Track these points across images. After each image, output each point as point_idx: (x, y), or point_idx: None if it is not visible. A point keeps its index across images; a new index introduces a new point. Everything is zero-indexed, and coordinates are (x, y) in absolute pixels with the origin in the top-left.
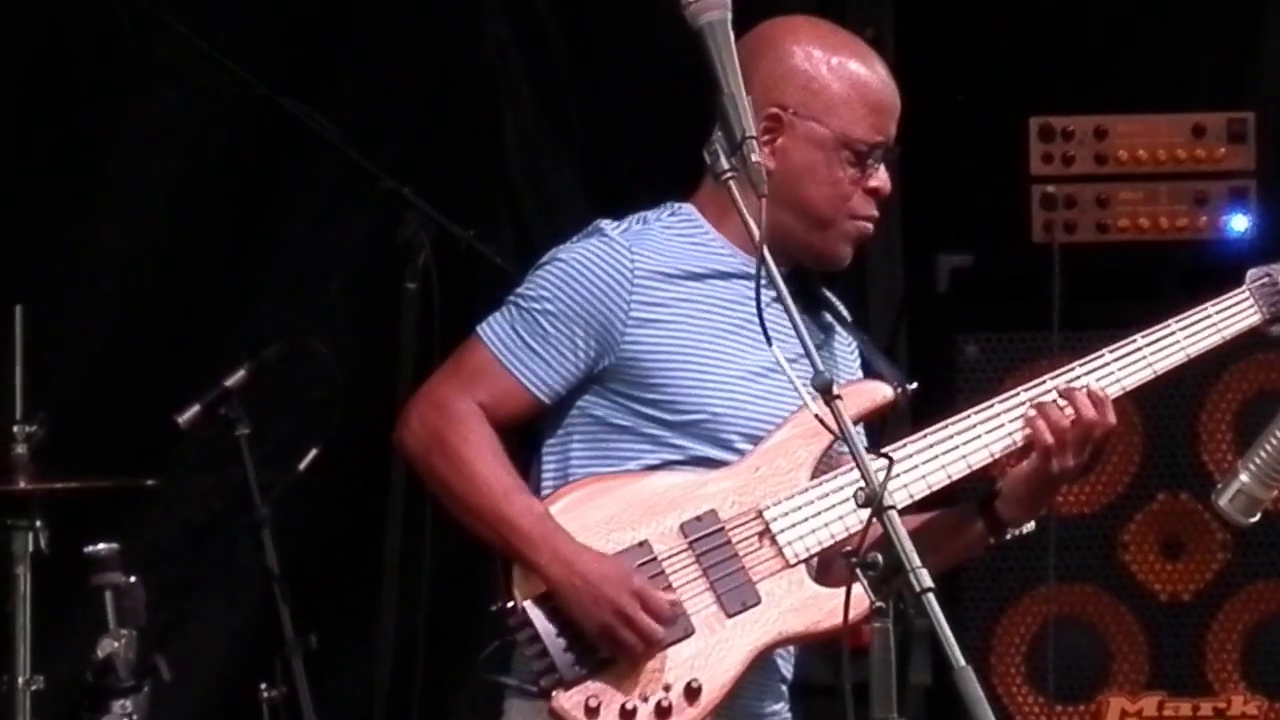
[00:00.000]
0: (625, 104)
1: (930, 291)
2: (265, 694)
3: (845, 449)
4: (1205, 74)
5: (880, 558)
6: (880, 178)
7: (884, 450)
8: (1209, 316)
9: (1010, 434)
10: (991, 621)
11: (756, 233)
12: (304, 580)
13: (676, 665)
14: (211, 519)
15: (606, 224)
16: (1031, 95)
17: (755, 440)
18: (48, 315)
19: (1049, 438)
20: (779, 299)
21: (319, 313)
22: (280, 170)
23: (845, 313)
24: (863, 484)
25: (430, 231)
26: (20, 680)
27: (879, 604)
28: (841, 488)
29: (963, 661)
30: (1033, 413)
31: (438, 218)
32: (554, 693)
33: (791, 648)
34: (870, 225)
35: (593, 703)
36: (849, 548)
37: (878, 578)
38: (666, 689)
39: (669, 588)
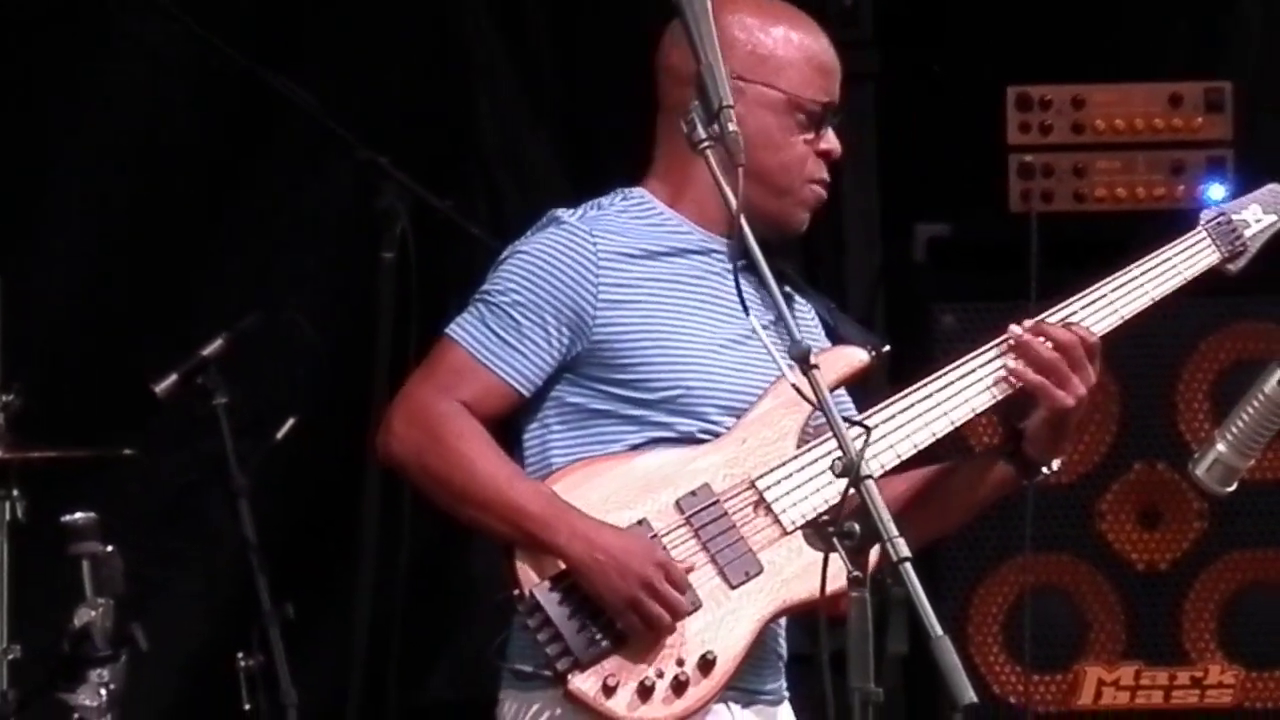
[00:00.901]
0: (602, 74)
1: (908, 261)
2: (242, 663)
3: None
4: (1182, 43)
5: (857, 527)
6: (830, 140)
7: (863, 417)
8: (1169, 259)
9: (989, 388)
10: (969, 591)
11: (734, 202)
12: (281, 550)
13: (688, 639)
14: (189, 488)
15: (562, 212)
16: (1009, 64)
17: (732, 412)
18: (23, 285)
19: (1035, 376)
20: (753, 268)
21: (296, 282)
22: (256, 140)
23: (802, 283)
24: (840, 454)
25: (407, 201)
26: None
27: (856, 574)
28: (830, 453)
29: (940, 631)
30: (1013, 361)
31: (415, 188)
32: (570, 675)
33: (783, 623)
34: (824, 190)
35: (610, 681)
36: (826, 517)
37: (855, 547)
38: (680, 663)
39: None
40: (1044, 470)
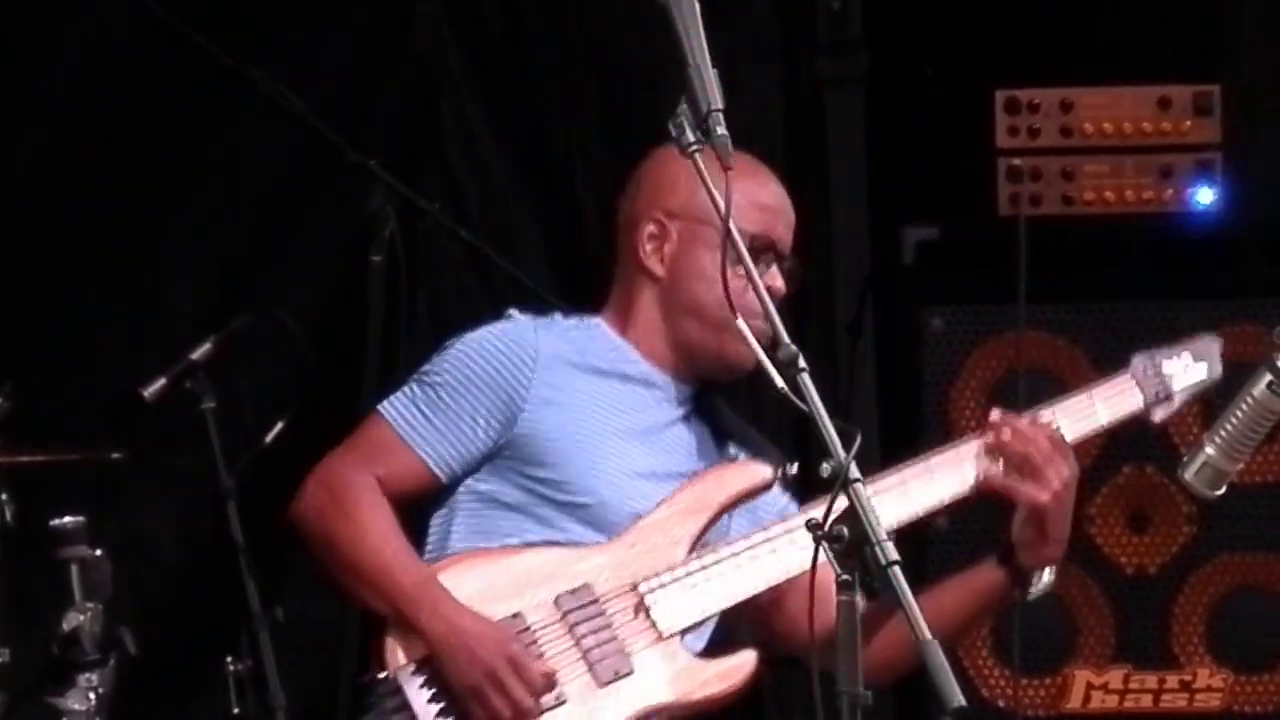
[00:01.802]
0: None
1: (896, 264)
2: (231, 667)
3: (723, 526)
4: (1171, 47)
5: (846, 530)
6: (774, 278)
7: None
8: (1091, 399)
9: (964, 479)
10: None
11: (723, 204)
12: (270, 553)
13: None
14: (177, 491)
15: (515, 311)
16: (997, 68)
17: None
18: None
19: (1000, 478)
20: (699, 412)
21: (285, 286)
22: (243, 143)
23: (758, 438)
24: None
25: (396, 204)
26: None
27: (845, 576)
28: (719, 561)
29: (928, 635)
30: (981, 463)
31: (404, 191)
32: None
33: None
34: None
35: None
36: (814, 522)
37: (843, 550)
38: None
39: (542, 657)
40: (1034, 582)
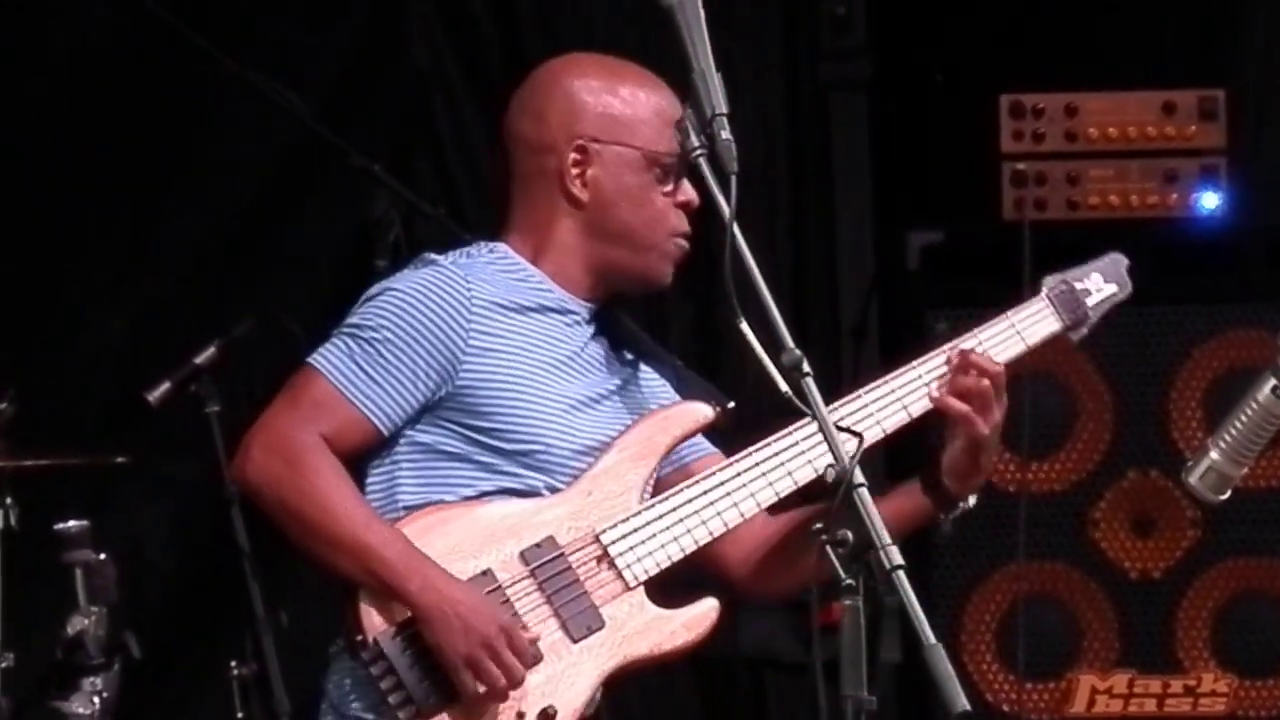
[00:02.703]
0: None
1: (901, 268)
2: (235, 671)
3: (671, 469)
4: (1176, 51)
5: (850, 534)
6: (687, 191)
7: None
8: (1011, 324)
9: (906, 407)
10: (962, 599)
11: (727, 211)
12: (274, 558)
13: (528, 693)
14: (181, 496)
15: (434, 255)
16: (1002, 72)
17: (579, 471)
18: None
19: (960, 405)
20: (604, 330)
21: (289, 290)
22: (246, 147)
23: (652, 344)
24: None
25: (400, 209)
26: None
27: (849, 581)
28: (675, 508)
29: (933, 639)
30: (937, 390)
31: (408, 195)
32: None
33: None
34: (686, 242)
35: None
36: (819, 524)
37: (848, 555)
38: (520, 716)
39: (515, 615)
40: (960, 505)
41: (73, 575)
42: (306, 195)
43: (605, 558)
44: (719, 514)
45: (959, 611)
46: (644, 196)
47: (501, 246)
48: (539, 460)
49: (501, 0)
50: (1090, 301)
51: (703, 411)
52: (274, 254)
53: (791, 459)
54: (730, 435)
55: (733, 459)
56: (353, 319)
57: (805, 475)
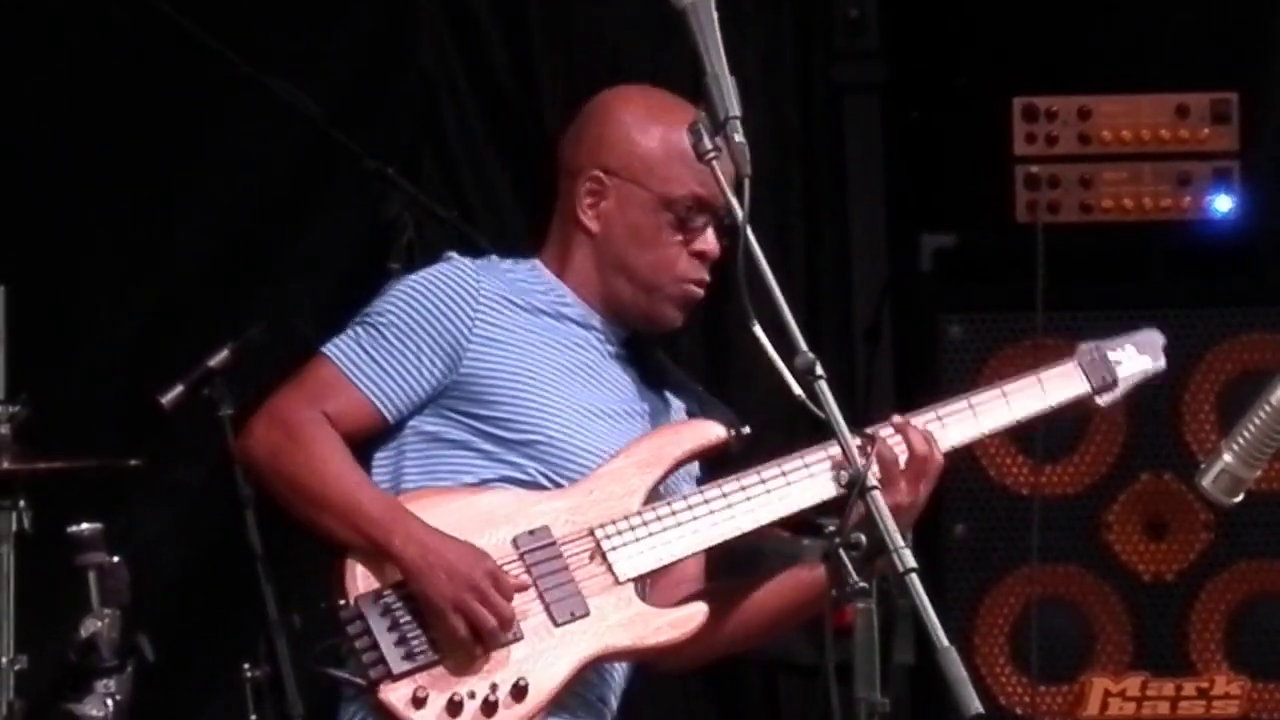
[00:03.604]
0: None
1: (914, 272)
2: (249, 674)
3: (678, 478)
4: (1189, 54)
5: (864, 538)
6: (707, 241)
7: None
8: (1038, 382)
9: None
10: (975, 602)
11: (740, 213)
12: (287, 560)
13: (505, 666)
14: (195, 498)
15: (453, 254)
16: (1015, 75)
17: (588, 469)
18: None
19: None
20: (628, 352)
21: (303, 293)
22: (259, 150)
23: (681, 375)
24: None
25: (414, 212)
26: (4, 660)
27: (862, 584)
28: (675, 513)
29: (946, 642)
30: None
31: (422, 198)
32: (381, 685)
33: (616, 679)
34: (699, 289)
35: (420, 694)
36: (831, 528)
37: (861, 558)
38: (494, 687)
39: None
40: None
41: (86, 578)
42: (319, 198)
43: (598, 553)
44: (717, 524)
45: (972, 614)
46: (653, 239)
47: (532, 260)
48: (540, 451)
49: (510, 6)
50: (1121, 372)
51: (715, 431)
52: (286, 257)
53: (799, 480)
54: (739, 456)
55: (740, 474)
56: (366, 310)
57: (809, 498)
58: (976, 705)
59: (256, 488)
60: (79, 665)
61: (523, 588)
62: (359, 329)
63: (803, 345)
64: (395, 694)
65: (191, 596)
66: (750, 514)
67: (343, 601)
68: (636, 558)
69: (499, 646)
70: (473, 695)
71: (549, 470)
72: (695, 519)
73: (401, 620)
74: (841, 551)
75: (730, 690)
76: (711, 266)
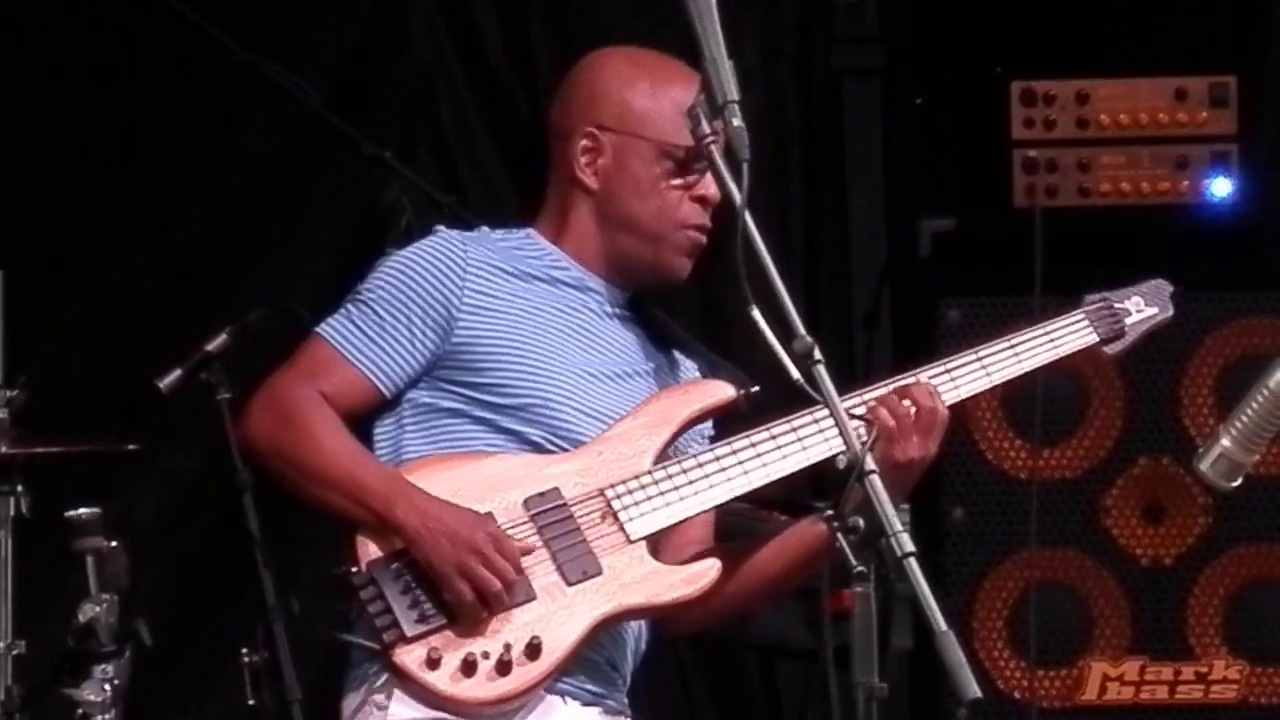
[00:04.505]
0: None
1: (912, 256)
2: (246, 658)
3: (689, 437)
4: (1187, 37)
5: (861, 521)
6: (707, 185)
7: (715, 448)
8: (1048, 334)
9: (829, 440)
10: (973, 586)
11: (739, 198)
12: (285, 545)
13: (518, 626)
14: (193, 483)
15: (442, 227)
16: (1013, 59)
17: (589, 431)
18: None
19: (891, 422)
20: (631, 315)
21: (301, 278)
22: (257, 134)
23: (684, 333)
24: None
25: (412, 197)
26: (2, 645)
27: (860, 568)
28: (685, 471)
29: (944, 626)
30: (874, 404)
31: (420, 183)
32: (395, 647)
33: (629, 642)
34: (702, 235)
35: (434, 655)
36: (829, 512)
37: (859, 541)
38: (507, 647)
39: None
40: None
41: (84, 562)
42: (316, 183)
43: (609, 513)
44: (729, 480)
45: (970, 599)
46: (654, 187)
47: (528, 230)
48: (537, 414)
49: None
50: (1129, 321)
51: (724, 390)
52: (284, 242)
53: (809, 435)
54: (745, 421)
55: (750, 431)
56: (357, 287)
57: (820, 452)
58: (975, 689)
59: (256, 472)
60: (77, 650)
61: (529, 550)
62: (350, 307)
63: (801, 330)
64: (409, 656)
65: (189, 581)
66: (762, 469)
67: (355, 569)
68: (648, 516)
69: (506, 608)
70: (486, 655)
71: (550, 434)
72: (706, 476)
73: (413, 585)
74: (839, 535)
75: (728, 675)
76: (710, 251)
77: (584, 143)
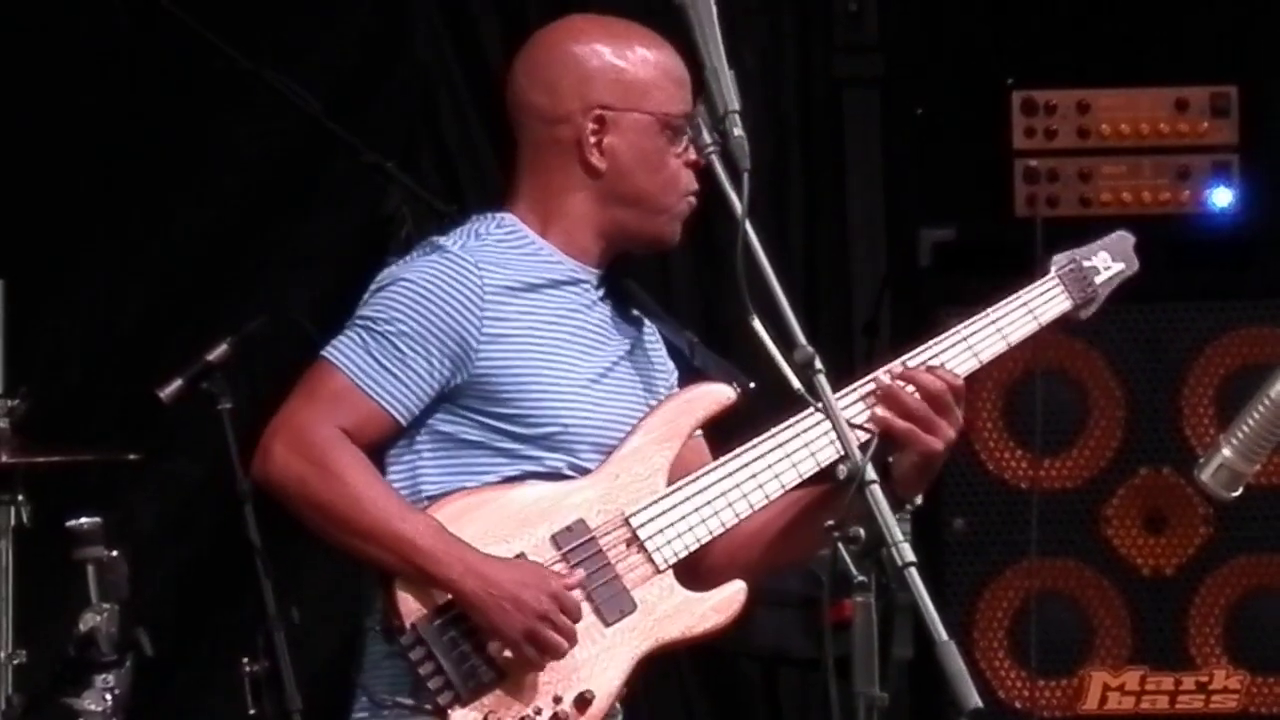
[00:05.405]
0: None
1: (913, 265)
2: (247, 668)
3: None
4: (1189, 48)
5: (863, 532)
6: (690, 149)
7: (721, 463)
8: (1024, 304)
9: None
10: (974, 596)
11: (739, 208)
12: (286, 554)
13: (564, 676)
14: (193, 493)
15: (442, 240)
16: (1014, 69)
17: (601, 449)
18: (28, 288)
19: (902, 424)
20: (610, 297)
21: (302, 287)
22: (255, 144)
23: (663, 311)
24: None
25: (412, 206)
26: (2, 654)
27: (861, 578)
28: (703, 490)
29: (945, 636)
30: (881, 410)
31: (420, 192)
32: (450, 709)
33: None
34: (695, 199)
35: (491, 717)
36: (831, 521)
37: (860, 551)
38: (557, 700)
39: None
40: (906, 506)
41: (85, 572)
42: (317, 192)
43: (635, 540)
44: (745, 495)
45: (971, 608)
46: (660, 160)
47: (509, 218)
48: (559, 441)
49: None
50: (1099, 280)
51: (724, 393)
52: (285, 251)
53: (816, 438)
54: (744, 420)
55: (757, 440)
56: (365, 310)
57: (828, 456)
58: (975, 699)
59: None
60: (78, 659)
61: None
62: (364, 334)
63: (801, 339)
64: (466, 718)
65: (190, 591)
66: (775, 479)
67: (399, 623)
68: (673, 542)
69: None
70: (539, 712)
71: (570, 458)
72: (724, 494)
73: (459, 641)
74: (840, 545)
75: (729, 684)
76: (710, 259)
77: (591, 125)
